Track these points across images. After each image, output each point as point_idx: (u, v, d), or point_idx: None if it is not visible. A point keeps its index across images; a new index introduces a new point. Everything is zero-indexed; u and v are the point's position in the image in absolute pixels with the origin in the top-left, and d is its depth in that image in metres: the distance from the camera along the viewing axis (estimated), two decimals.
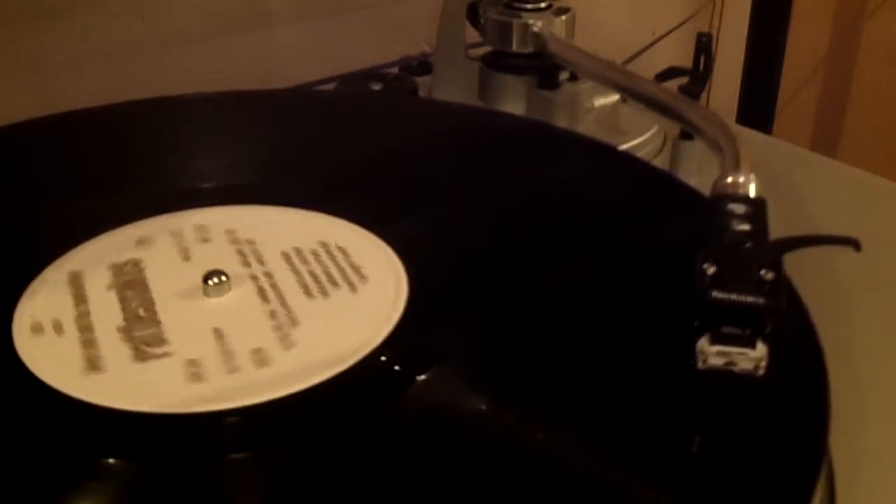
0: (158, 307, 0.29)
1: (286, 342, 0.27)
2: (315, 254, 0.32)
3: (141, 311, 0.28)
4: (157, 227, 0.33)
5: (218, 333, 0.28)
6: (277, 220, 0.33)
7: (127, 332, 0.27)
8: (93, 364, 0.26)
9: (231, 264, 0.31)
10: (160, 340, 0.27)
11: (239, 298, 0.29)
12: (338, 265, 0.31)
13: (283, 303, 0.29)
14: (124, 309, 0.28)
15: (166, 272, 0.30)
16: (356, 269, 0.31)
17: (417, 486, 0.23)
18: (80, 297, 0.29)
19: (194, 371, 0.26)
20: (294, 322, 0.28)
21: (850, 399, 0.29)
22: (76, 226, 0.33)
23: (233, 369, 0.26)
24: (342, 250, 0.32)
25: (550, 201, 0.36)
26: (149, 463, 0.23)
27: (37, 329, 0.28)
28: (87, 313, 0.28)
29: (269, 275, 0.30)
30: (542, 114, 0.47)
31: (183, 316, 0.28)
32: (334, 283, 0.30)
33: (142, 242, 0.32)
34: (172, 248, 0.32)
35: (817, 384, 0.25)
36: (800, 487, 0.22)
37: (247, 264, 0.31)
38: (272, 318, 0.28)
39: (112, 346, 0.27)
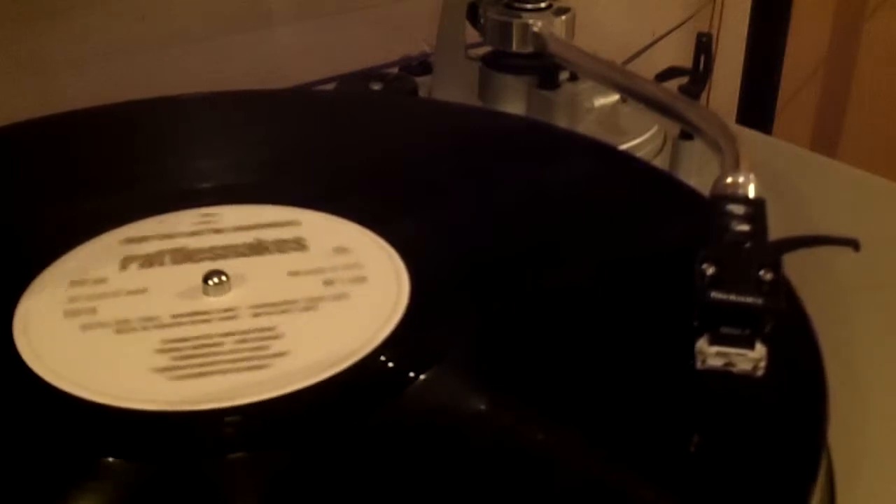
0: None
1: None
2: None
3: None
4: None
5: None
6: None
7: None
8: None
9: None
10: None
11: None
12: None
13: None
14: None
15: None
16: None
17: (417, 486, 0.23)
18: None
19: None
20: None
21: (849, 399, 0.29)
22: (76, 226, 0.33)
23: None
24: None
25: (550, 201, 0.36)
26: (149, 463, 0.23)
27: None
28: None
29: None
30: (542, 114, 0.47)
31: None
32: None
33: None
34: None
35: (816, 384, 0.25)
36: (799, 487, 0.22)
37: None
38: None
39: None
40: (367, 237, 0.32)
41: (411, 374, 0.26)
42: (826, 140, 1.00)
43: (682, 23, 0.80)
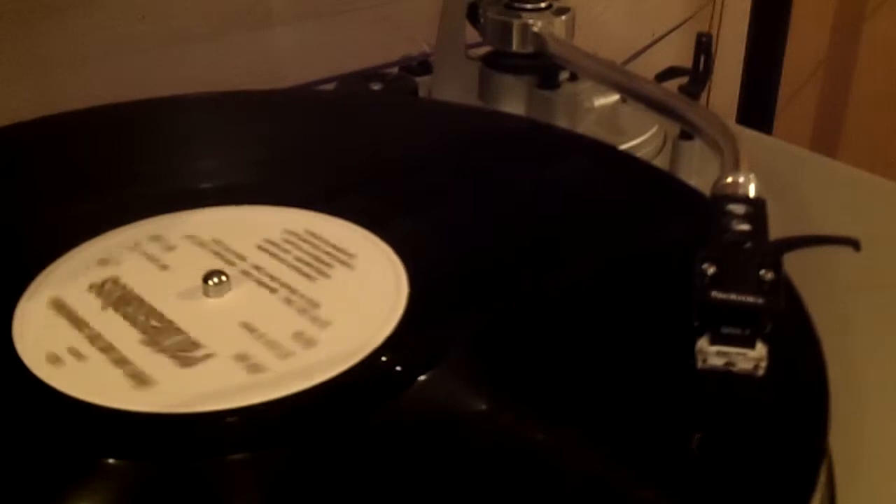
0: (168, 315, 0.28)
1: (318, 322, 0.28)
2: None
3: (154, 322, 0.28)
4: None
5: (248, 327, 0.28)
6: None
7: (154, 343, 0.27)
8: (141, 380, 0.26)
9: (227, 265, 0.31)
10: (192, 344, 0.27)
11: (242, 296, 0.29)
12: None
13: (293, 291, 0.29)
14: (134, 324, 0.28)
15: (155, 281, 0.30)
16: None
17: (417, 486, 0.23)
18: (78, 322, 0.28)
19: (250, 364, 0.26)
20: (314, 305, 0.29)
21: (850, 399, 0.29)
22: (76, 226, 0.33)
23: (285, 355, 0.26)
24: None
25: (550, 201, 0.36)
26: (148, 463, 0.23)
27: (54, 360, 0.26)
28: (98, 335, 0.27)
29: (265, 272, 0.30)
30: (542, 114, 0.47)
31: (198, 318, 0.28)
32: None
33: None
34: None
35: (817, 384, 0.25)
36: (800, 487, 0.22)
37: (244, 264, 0.31)
38: (289, 304, 0.29)
39: (148, 360, 0.26)
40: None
41: (411, 375, 0.26)
42: (826, 140, 1.00)
43: (682, 23, 0.80)
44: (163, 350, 0.27)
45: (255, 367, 0.26)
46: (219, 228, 0.33)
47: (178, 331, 0.28)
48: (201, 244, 0.32)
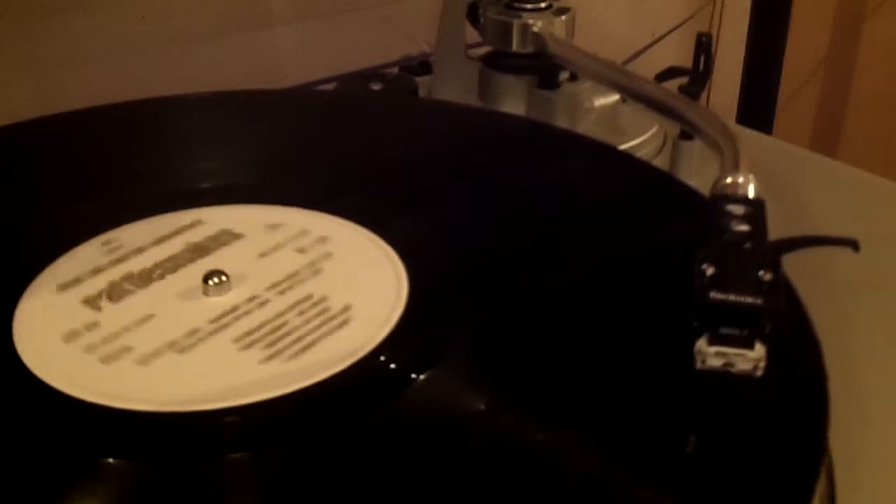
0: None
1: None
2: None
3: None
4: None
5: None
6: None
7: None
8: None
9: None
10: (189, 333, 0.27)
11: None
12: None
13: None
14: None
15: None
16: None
17: (417, 486, 0.23)
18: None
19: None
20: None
21: (850, 399, 0.29)
22: (76, 226, 0.33)
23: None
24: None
25: (550, 201, 0.36)
26: (148, 463, 0.23)
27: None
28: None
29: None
30: (542, 114, 0.47)
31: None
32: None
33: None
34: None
35: (817, 384, 0.25)
36: (800, 487, 0.22)
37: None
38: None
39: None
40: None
41: (410, 375, 0.26)
42: (826, 140, 1.00)
43: (682, 23, 0.80)
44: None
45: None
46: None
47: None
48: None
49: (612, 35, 0.76)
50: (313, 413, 0.25)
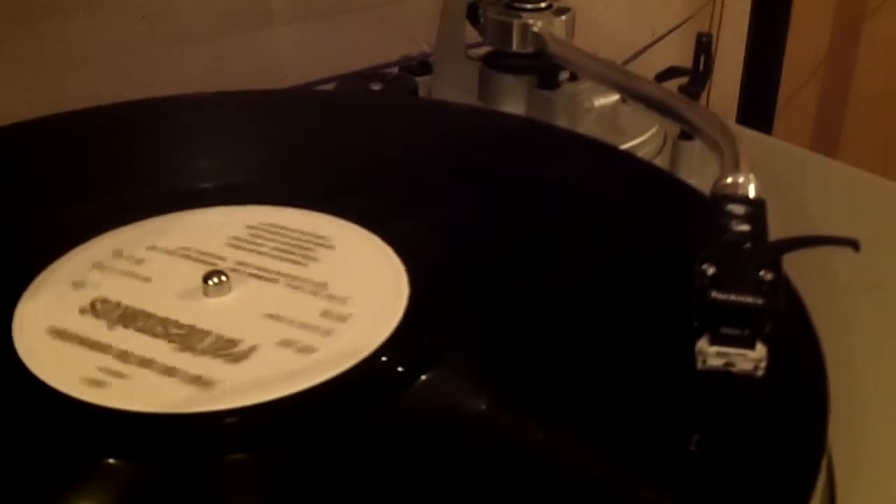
0: (183, 320, 0.28)
1: (336, 300, 0.29)
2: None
3: (174, 330, 0.28)
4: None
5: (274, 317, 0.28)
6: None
7: (189, 349, 0.27)
8: (202, 383, 0.26)
9: (228, 261, 0.31)
10: (228, 342, 0.27)
11: (246, 292, 0.29)
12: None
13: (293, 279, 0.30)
14: (156, 336, 0.28)
15: (146, 293, 0.30)
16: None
17: (417, 486, 0.23)
18: (95, 344, 0.27)
19: (298, 347, 0.27)
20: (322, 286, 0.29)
21: (850, 399, 0.29)
22: (76, 226, 0.33)
23: (327, 332, 0.27)
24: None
25: (550, 201, 0.36)
26: (148, 463, 0.23)
27: (96, 383, 0.26)
28: (126, 352, 0.27)
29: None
30: (542, 114, 0.47)
31: (215, 318, 0.28)
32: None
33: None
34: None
35: (817, 384, 0.25)
36: (800, 487, 0.22)
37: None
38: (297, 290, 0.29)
39: (195, 364, 0.26)
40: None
41: (411, 375, 0.26)
42: (826, 140, 1.00)
43: (682, 23, 0.80)
44: (203, 352, 0.27)
45: (304, 349, 0.27)
46: (182, 235, 0.33)
47: (205, 332, 0.28)
48: (168, 253, 0.32)
49: (612, 35, 0.76)
50: (314, 414, 0.25)
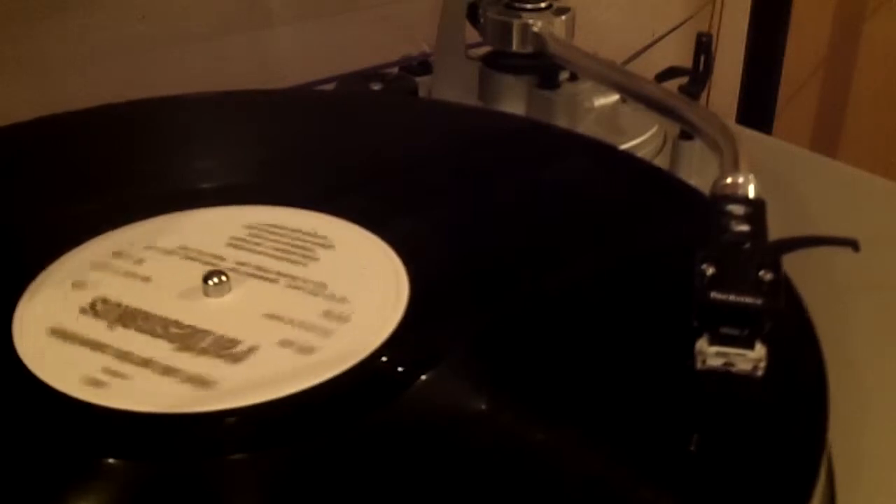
0: (184, 321, 0.28)
1: (342, 302, 0.29)
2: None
3: (174, 330, 0.28)
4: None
5: (274, 317, 0.28)
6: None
7: (189, 349, 0.27)
8: (201, 382, 0.26)
9: (228, 261, 0.31)
10: (229, 341, 0.27)
11: (246, 292, 0.29)
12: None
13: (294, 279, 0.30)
14: (156, 336, 0.28)
15: (146, 293, 0.30)
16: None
17: (417, 486, 0.23)
18: (95, 344, 0.27)
19: (300, 347, 0.27)
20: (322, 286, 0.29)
21: (850, 399, 0.29)
22: (76, 226, 0.33)
23: (327, 332, 0.27)
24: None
25: (550, 201, 0.36)
26: (148, 463, 0.23)
27: (96, 383, 0.25)
28: (127, 352, 0.27)
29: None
30: (542, 114, 0.47)
31: (215, 318, 0.28)
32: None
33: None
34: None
35: (817, 384, 0.25)
36: (800, 487, 0.22)
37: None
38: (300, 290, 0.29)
39: (195, 363, 0.26)
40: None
41: (411, 375, 0.26)
42: (826, 140, 1.00)
43: (682, 23, 0.80)
44: (203, 352, 0.27)
45: (304, 349, 0.27)
46: (182, 235, 0.33)
47: (205, 332, 0.28)
48: (168, 253, 0.32)
49: (612, 35, 0.76)
50: (314, 414, 0.25)
